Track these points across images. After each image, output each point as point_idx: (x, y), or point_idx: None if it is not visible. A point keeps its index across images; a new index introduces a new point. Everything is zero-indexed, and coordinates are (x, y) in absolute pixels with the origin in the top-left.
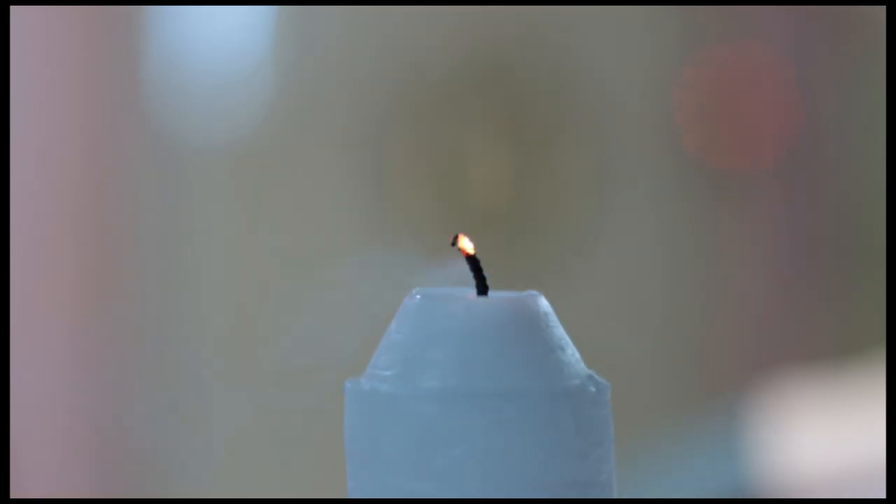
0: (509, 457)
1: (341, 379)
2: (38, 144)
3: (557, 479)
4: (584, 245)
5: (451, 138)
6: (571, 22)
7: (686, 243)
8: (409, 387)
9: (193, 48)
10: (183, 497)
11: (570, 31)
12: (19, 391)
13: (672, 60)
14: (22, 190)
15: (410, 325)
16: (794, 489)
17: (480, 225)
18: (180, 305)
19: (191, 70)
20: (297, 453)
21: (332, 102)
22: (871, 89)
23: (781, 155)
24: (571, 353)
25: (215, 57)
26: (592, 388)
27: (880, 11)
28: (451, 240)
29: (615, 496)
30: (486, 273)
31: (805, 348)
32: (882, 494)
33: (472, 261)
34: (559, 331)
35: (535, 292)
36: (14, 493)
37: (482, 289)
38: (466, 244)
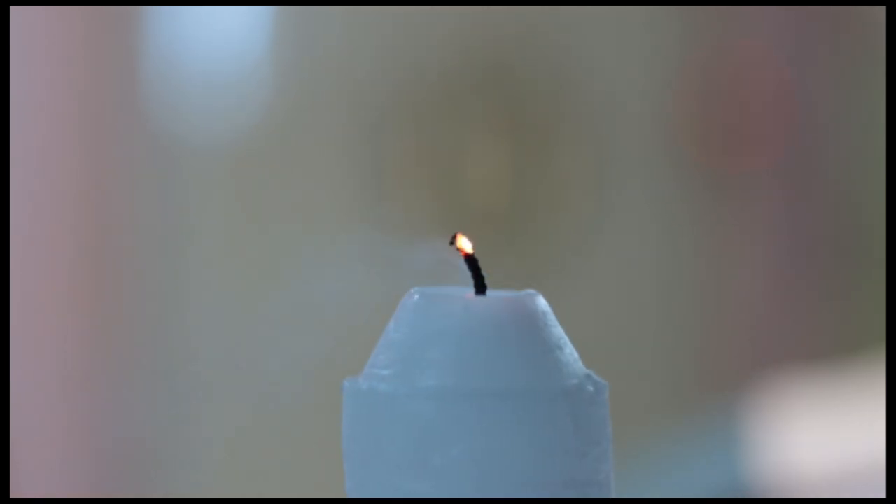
0: (507, 456)
1: (339, 378)
2: (38, 144)
3: (555, 478)
4: (584, 245)
5: (451, 138)
6: (571, 22)
7: (685, 243)
8: (408, 386)
9: (192, 48)
10: (183, 497)
11: (570, 31)
12: (19, 391)
13: (672, 60)
14: (21, 190)
15: (409, 325)
16: (793, 489)
17: (480, 224)
18: (179, 305)
19: (189, 70)
20: (295, 453)
21: (331, 102)
22: (871, 89)
23: (781, 155)
24: (570, 352)
25: (214, 57)
26: (591, 388)
27: (880, 11)
28: (449, 239)
29: (613, 496)
30: (484, 272)
31: (805, 348)
32: (882, 494)
33: (471, 260)
34: (557, 330)
35: (533, 292)
36: (14, 493)
37: (480, 288)
38: (465, 244)
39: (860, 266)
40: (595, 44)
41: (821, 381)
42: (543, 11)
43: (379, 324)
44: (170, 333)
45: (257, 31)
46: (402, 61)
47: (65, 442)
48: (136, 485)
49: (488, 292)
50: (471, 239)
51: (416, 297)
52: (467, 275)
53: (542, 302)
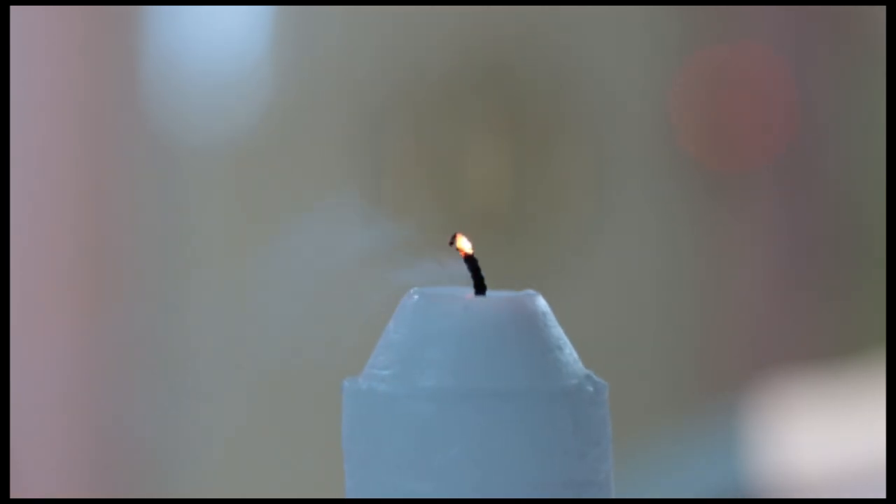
0: (507, 456)
1: (339, 378)
2: (38, 144)
3: (555, 478)
4: (584, 245)
5: (451, 138)
6: (571, 22)
7: (685, 243)
8: (407, 386)
9: (192, 48)
10: (183, 497)
11: (570, 31)
12: (19, 391)
13: (672, 60)
14: (21, 189)
15: (408, 325)
16: (793, 489)
17: (480, 225)
18: (179, 305)
19: (189, 70)
20: (295, 453)
21: (331, 102)
22: (871, 89)
23: (781, 155)
24: (569, 352)
25: (214, 57)
26: (590, 388)
27: (880, 11)
28: (449, 240)
29: (613, 496)
30: (484, 272)
31: (805, 348)
32: (882, 494)
33: (470, 260)
34: (557, 330)
35: (532, 292)
36: (14, 493)
37: (480, 288)
38: (464, 244)
39: (860, 266)
40: (595, 44)
41: (821, 381)
42: (543, 11)
43: (379, 324)
44: (170, 333)
45: (257, 31)
46: (402, 61)
47: (65, 442)
48: (136, 485)
49: (488, 292)
50: (470, 239)
51: (416, 297)
52: (467, 275)
53: (541, 302)
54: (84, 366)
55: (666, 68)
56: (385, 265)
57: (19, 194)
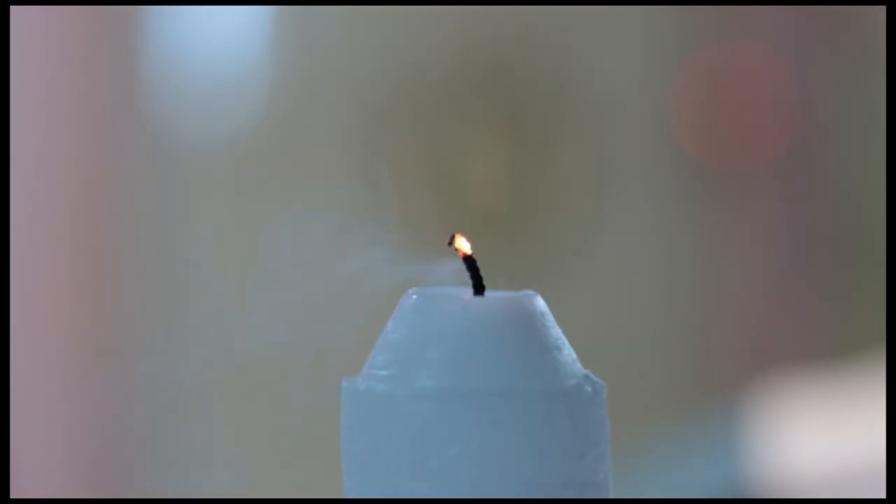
0: (505, 456)
1: (338, 378)
2: (38, 144)
3: (554, 478)
4: (584, 245)
5: (451, 138)
6: (571, 22)
7: (685, 243)
8: (406, 386)
9: (192, 48)
10: (183, 497)
11: (570, 31)
12: (19, 391)
13: (672, 60)
14: (21, 189)
15: (407, 325)
16: (793, 489)
17: (480, 225)
18: (179, 304)
19: (189, 70)
20: (294, 453)
21: (331, 102)
22: (871, 89)
23: (781, 155)
24: (568, 353)
25: (214, 57)
26: (589, 388)
27: (880, 11)
28: (447, 240)
29: (611, 496)
30: (483, 272)
31: (805, 348)
32: (882, 494)
33: (469, 261)
34: (555, 331)
35: (531, 292)
36: (14, 494)
37: (479, 289)
38: (463, 244)
39: (860, 266)
40: (595, 44)
41: (821, 381)
42: (543, 11)
43: (377, 324)
44: (170, 333)
45: (257, 31)
46: (402, 61)
47: (65, 442)
48: (136, 485)
49: (487, 293)
50: (470, 239)
51: (415, 297)
52: (465, 275)
53: (540, 302)
54: (84, 366)
55: (666, 68)
56: (384, 265)
57: (19, 194)
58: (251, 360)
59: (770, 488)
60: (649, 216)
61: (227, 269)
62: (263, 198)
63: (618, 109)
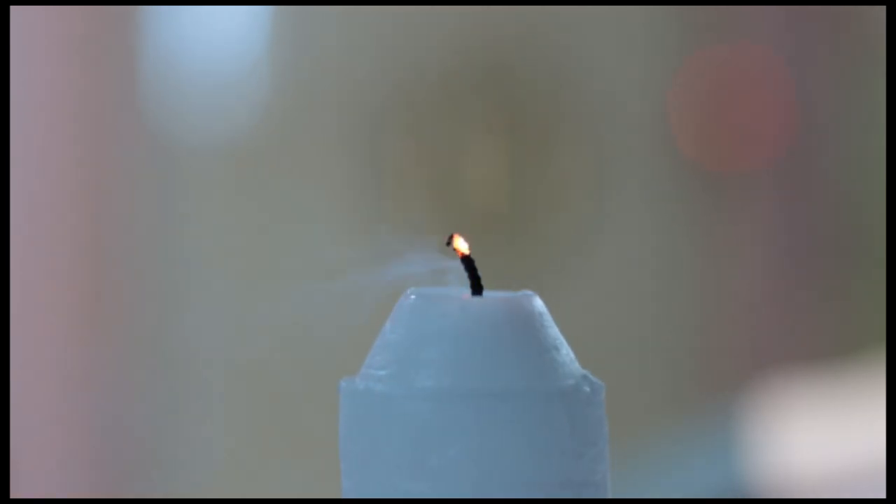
0: (504, 456)
1: (337, 378)
2: (38, 144)
3: (552, 478)
4: (583, 245)
5: (451, 138)
6: (571, 22)
7: (685, 243)
8: (404, 386)
9: (191, 48)
10: (183, 497)
11: (570, 31)
12: (19, 391)
13: (671, 60)
14: (21, 189)
15: (405, 325)
16: (793, 489)
17: (479, 225)
18: (179, 305)
19: (188, 70)
20: (293, 453)
21: (330, 102)
22: (871, 89)
23: (781, 155)
24: (566, 353)
25: (213, 57)
26: (587, 388)
27: (880, 11)
28: (445, 240)
29: (610, 496)
30: (482, 273)
31: (805, 348)
32: (882, 494)
33: (467, 261)
34: (554, 331)
35: (529, 292)
36: (14, 494)
37: (477, 289)
38: (461, 244)
39: (860, 266)
40: (595, 44)
41: (821, 381)
42: (543, 11)
43: (376, 324)
44: (170, 333)
45: (256, 31)
46: (401, 61)
47: (65, 442)
48: (136, 485)
49: (485, 293)
50: (470, 239)
51: (413, 297)
52: (464, 275)
53: (538, 303)
54: (84, 365)
55: (666, 68)
56: (383, 265)
57: (19, 194)
58: (251, 360)
59: (770, 488)
60: (649, 216)
61: (227, 268)
62: (263, 198)
63: (618, 109)
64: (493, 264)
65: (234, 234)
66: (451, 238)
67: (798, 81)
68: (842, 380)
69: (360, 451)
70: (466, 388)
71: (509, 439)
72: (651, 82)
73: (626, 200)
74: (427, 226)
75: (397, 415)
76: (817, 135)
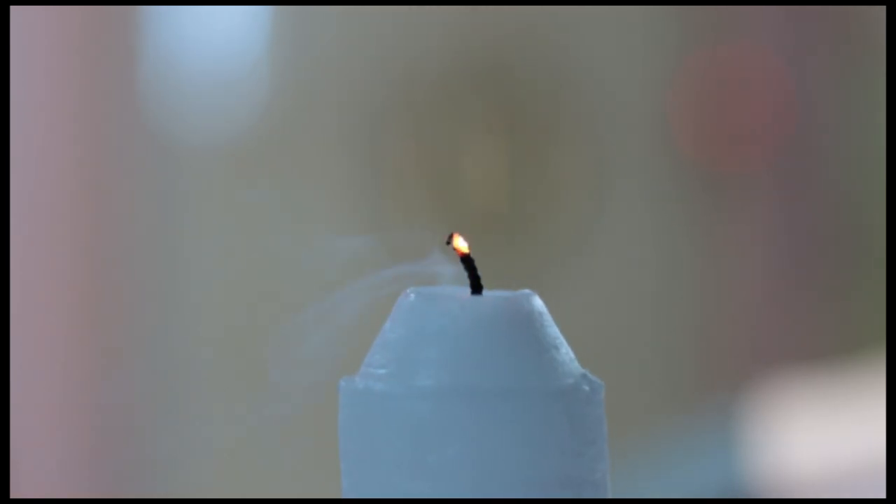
0: (503, 455)
1: (336, 377)
2: (38, 143)
3: (551, 477)
4: (583, 245)
5: (450, 138)
6: (571, 22)
7: (684, 243)
8: (404, 385)
9: (190, 48)
10: (183, 497)
11: (570, 31)
12: (19, 391)
13: (671, 60)
14: (21, 189)
15: (405, 324)
16: (793, 489)
17: (478, 224)
18: (179, 305)
19: (188, 70)
20: (292, 452)
21: (329, 102)
22: (871, 89)
23: (781, 155)
24: (565, 352)
25: (212, 56)
26: (586, 387)
27: (880, 11)
28: (445, 239)
29: (609, 495)
30: (482, 272)
31: (805, 348)
32: (882, 494)
33: (467, 260)
34: (553, 330)
35: (529, 291)
36: (14, 493)
37: (476, 288)
38: (461, 243)
39: (860, 266)
40: (595, 44)
41: (821, 381)
42: (543, 11)
43: (375, 323)
44: (170, 333)
45: (256, 30)
46: (400, 61)
47: (65, 442)
48: (136, 485)
49: (485, 292)
50: (470, 239)
51: (413, 296)
52: (464, 275)
53: (538, 302)
54: (84, 366)
55: (666, 68)
56: (382, 265)
57: (19, 194)
58: (250, 360)
59: (769, 488)
60: (649, 216)
61: (226, 267)
62: (262, 197)
63: (618, 109)
64: (492, 264)
65: (234, 233)
66: (450, 237)
67: (798, 81)
68: (842, 380)
69: (360, 450)
70: (466, 386)
71: (509, 438)
72: (651, 82)
73: (625, 200)
74: (427, 225)
75: (397, 414)
76: (817, 135)
